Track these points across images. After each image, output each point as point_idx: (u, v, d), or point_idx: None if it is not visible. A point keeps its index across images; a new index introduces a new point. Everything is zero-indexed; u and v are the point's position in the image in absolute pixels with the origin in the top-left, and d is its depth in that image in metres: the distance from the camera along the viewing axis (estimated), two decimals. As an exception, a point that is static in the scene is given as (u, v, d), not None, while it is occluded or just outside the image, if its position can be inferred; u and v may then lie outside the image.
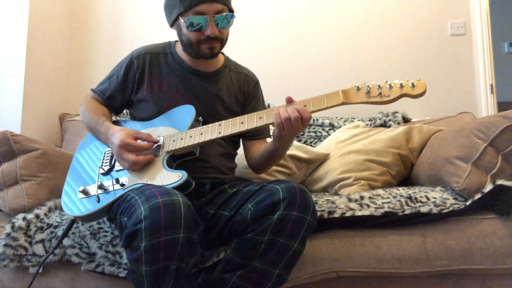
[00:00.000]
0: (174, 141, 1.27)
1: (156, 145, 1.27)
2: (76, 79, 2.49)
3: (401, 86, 1.11)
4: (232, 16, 1.33)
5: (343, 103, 1.15)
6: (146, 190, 1.08)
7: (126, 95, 1.44)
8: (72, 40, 2.51)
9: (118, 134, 1.24)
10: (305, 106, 1.19)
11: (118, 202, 1.18)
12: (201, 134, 1.25)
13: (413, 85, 1.11)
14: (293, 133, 1.19)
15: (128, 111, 1.52)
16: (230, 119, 1.25)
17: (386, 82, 1.14)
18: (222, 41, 1.35)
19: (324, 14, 2.52)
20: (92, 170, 1.32)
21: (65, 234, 1.29)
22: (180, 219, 1.00)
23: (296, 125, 1.16)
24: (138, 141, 1.25)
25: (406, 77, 1.17)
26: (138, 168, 1.23)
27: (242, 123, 1.23)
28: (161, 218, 0.98)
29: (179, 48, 1.43)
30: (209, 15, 1.27)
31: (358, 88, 1.15)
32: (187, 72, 1.42)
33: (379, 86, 1.13)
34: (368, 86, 1.14)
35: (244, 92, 1.49)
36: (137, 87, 1.42)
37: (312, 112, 1.17)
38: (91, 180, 1.29)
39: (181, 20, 1.30)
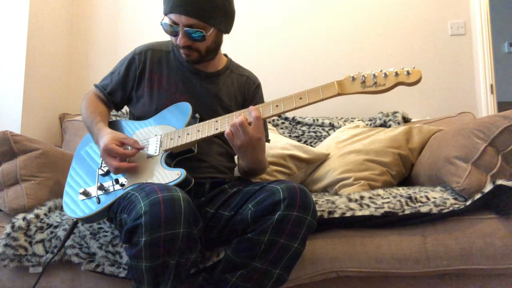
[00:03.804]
0: (171, 139, 1.27)
1: (151, 143, 1.27)
2: (76, 79, 2.49)
3: (396, 74, 1.11)
4: (205, 35, 1.27)
5: (338, 94, 1.15)
6: (146, 187, 1.09)
7: (127, 91, 1.45)
8: (72, 40, 2.51)
9: (105, 138, 1.25)
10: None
11: (118, 201, 1.19)
12: (198, 131, 1.25)
13: (408, 73, 1.10)
14: (247, 142, 1.17)
15: (128, 109, 1.52)
16: (227, 115, 1.25)
17: (381, 71, 1.13)
18: (200, 52, 1.33)
19: (324, 14, 2.52)
20: (92, 171, 1.32)
21: (68, 236, 1.29)
22: (180, 215, 1.00)
23: (244, 130, 1.15)
24: (129, 147, 1.26)
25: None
26: (122, 173, 1.24)
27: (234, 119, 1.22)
28: (161, 213, 0.98)
29: None
30: (180, 25, 1.27)
31: (353, 78, 1.15)
32: (187, 71, 1.42)
33: (374, 75, 1.13)
34: (363, 75, 1.14)
35: (244, 94, 1.49)
36: (137, 83, 1.43)
37: (308, 104, 1.16)
38: (91, 181, 1.29)
39: (162, 22, 1.32)
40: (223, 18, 1.32)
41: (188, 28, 1.26)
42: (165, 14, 1.30)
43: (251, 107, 1.20)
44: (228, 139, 1.20)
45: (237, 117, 1.18)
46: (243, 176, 1.44)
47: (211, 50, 1.36)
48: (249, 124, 1.18)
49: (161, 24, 1.31)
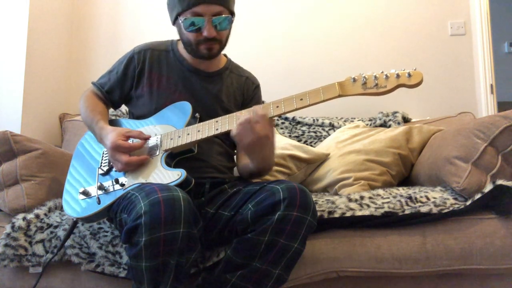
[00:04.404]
0: (171, 139, 1.27)
1: (151, 143, 1.28)
2: (76, 79, 2.49)
3: (398, 76, 1.10)
4: (231, 18, 1.33)
5: (339, 96, 1.14)
6: (146, 187, 1.09)
7: (125, 90, 1.44)
8: (72, 40, 2.51)
9: (110, 136, 1.24)
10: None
11: (118, 201, 1.18)
12: (198, 131, 1.25)
13: (409, 75, 1.10)
14: (254, 140, 1.16)
15: (127, 109, 1.52)
16: (227, 115, 1.25)
17: (382, 72, 1.12)
18: (221, 42, 1.35)
19: (324, 14, 2.52)
20: (91, 170, 1.32)
21: (68, 236, 1.29)
22: (180, 214, 1.00)
23: (251, 128, 1.15)
24: (131, 140, 1.26)
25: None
26: (132, 168, 1.23)
27: (239, 118, 1.22)
28: (161, 213, 0.99)
29: (181, 46, 1.43)
30: (207, 16, 1.27)
31: (354, 80, 1.14)
32: (187, 71, 1.42)
33: (375, 77, 1.12)
34: (364, 77, 1.13)
35: (243, 94, 1.49)
36: (136, 82, 1.42)
37: (309, 105, 1.16)
38: (91, 181, 1.29)
39: (180, 19, 1.31)
40: (234, 3, 1.35)
41: (218, 16, 1.28)
42: (186, 10, 1.29)
43: (255, 106, 1.20)
44: (236, 140, 1.19)
45: (241, 116, 1.18)
46: (247, 178, 1.41)
47: (227, 39, 1.38)
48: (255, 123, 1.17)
49: (181, 22, 1.30)
